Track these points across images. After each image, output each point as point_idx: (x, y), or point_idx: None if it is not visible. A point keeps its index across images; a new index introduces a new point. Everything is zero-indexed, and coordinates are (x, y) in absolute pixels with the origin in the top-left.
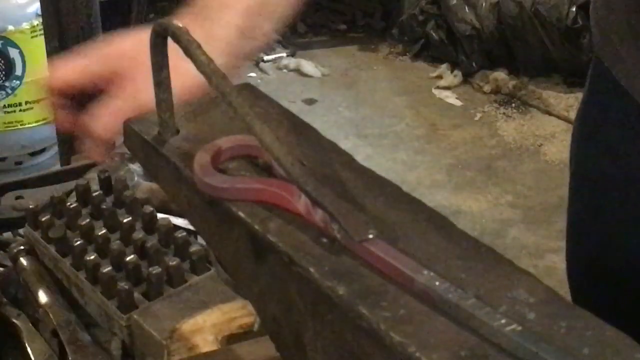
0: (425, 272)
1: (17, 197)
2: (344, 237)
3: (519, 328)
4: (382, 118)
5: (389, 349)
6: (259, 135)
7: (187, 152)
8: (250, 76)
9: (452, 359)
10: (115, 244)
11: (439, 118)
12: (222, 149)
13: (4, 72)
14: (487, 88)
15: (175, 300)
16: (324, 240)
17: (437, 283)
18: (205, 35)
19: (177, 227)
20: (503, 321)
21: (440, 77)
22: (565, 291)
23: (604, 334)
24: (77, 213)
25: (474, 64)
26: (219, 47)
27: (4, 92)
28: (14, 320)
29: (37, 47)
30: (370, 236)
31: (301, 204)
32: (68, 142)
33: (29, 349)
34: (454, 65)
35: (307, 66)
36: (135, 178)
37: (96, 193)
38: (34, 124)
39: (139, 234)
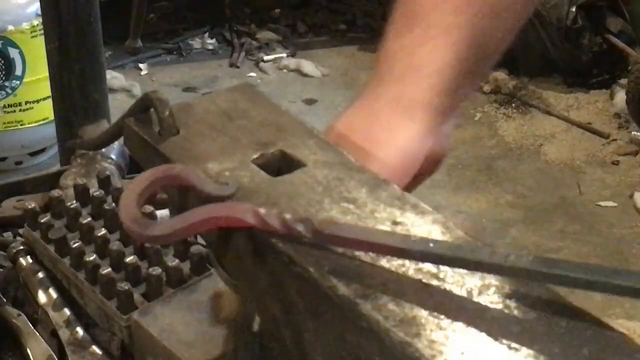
0: (413, 237)
1: (18, 200)
2: (311, 231)
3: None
4: None
5: (389, 349)
6: None
7: (187, 153)
8: (250, 76)
9: (451, 358)
10: (115, 244)
11: None
12: (144, 190)
13: (4, 72)
14: (487, 88)
15: (175, 300)
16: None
17: (430, 245)
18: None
19: None
20: (504, 257)
21: None
22: (564, 291)
23: (604, 334)
24: (77, 213)
25: None
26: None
27: (4, 92)
28: (14, 321)
29: (37, 47)
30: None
31: (253, 217)
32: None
33: (28, 349)
34: None
35: (307, 66)
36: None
37: (96, 193)
38: (34, 124)
39: None
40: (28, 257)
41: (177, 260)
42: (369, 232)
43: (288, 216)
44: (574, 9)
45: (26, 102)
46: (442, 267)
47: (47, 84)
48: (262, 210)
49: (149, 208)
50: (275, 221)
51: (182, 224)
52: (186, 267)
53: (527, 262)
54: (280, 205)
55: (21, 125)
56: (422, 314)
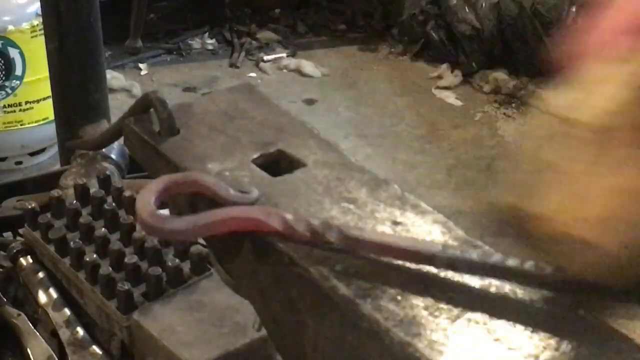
0: (440, 245)
1: (18, 200)
2: (340, 238)
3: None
4: (382, 118)
5: (389, 349)
6: None
7: (187, 153)
8: (250, 76)
9: (452, 358)
10: (115, 244)
11: (439, 118)
12: (161, 191)
13: (4, 72)
14: (487, 88)
15: (175, 300)
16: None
17: (459, 253)
18: None
19: None
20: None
21: (440, 77)
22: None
23: (604, 334)
24: (77, 213)
25: (474, 64)
26: None
27: (4, 92)
28: (14, 321)
29: (37, 47)
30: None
31: (278, 222)
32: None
33: (28, 349)
34: (454, 65)
35: (307, 66)
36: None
37: (96, 193)
38: (34, 124)
39: (139, 234)
40: (28, 257)
41: (177, 260)
42: (397, 238)
43: (315, 222)
44: (574, 9)
45: (26, 102)
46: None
47: (47, 84)
48: (289, 216)
49: None
50: (302, 227)
51: (203, 221)
52: (186, 267)
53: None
54: (280, 205)
55: (21, 125)
56: (422, 314)
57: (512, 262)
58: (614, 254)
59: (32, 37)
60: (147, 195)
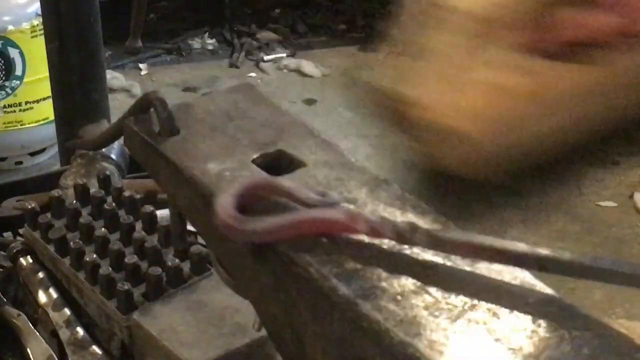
0: (529, 246)
1: (18, 200)
2: (428, 241)
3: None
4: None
5: (389, 349)
6: None
7: (187, 153)
8: (250, 76)
9: (452, 358)
10: (115, 244)
11: None
12: (240, 194)
13: (4, 72)
14: None
15: (175, 300)
16: (324, 240)
17: (547, 253)
18: None
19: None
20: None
21: None
22: (565, 291)
23: (605, 334)
24: (77, 213)
25: None
26: None
27: (4, 92)
28: (14, 321)
29: (37, 47)
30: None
31: (363, 225)
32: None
33: (28, 349)
34: None
35: (307, 66)
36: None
37: (96, 193)
38: (34, 124)
39: (139, 234)
40: (28, 257)
41: (177, 260)
42: (485, 239)
43: (401, 225)
44: None
45: (26, 102)
46: (442, 267)
47: (47, 84)
48: (374, 219)
49: (149, 208)
50: (388, 230)
51: (286, 222)
52: (186, 267)
53: None
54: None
55: (21, 125)
56: (422, 314)
57: (605, 262)
58: (487, 148)
59: (32, 37)
60: (226, 198)
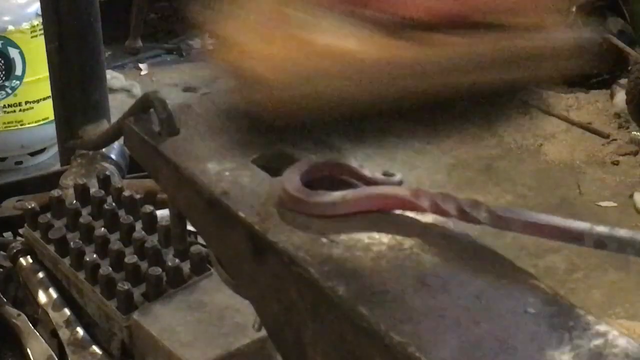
0: (588, 223)
1: (18, 200)
2: (490, 218)
3: None
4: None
5: (389, 349)
6: None
7: (187, 153)
8: None
9: (452, 358)
10: (115, 244)
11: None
12: (306, 171)
13: (4, 72)
14: None
15: (175, 300)
16: (324, 240)
17: (607, 229)
18: None
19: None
20: None
21: None
22: (565, 291)
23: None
24: (77, 213)
25: None
26: None
27: (4, 92)
28: (14, 321)
29: (37, 47)
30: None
31: (427, 202)
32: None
33: (28, 349)
34: None
35: None
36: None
37: (96, 193)
38: (34, 124)
39: (139, 234)
40: (28, 257)
41: (177, 260)
42: (546, 217)
43: (464, 202)
44: (574, 9)
45: (26, 102)
46: (441, 267)
47: (47, 84)
48: (438, 196)
49: (149, 208)
50: (452, 207)
51: (352, 196)
52: (186, 267)
53: None
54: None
55: (21, 125)
56: (422, 313)
57: None
58: (287, 96)
59: (32, 37)
60: (293, 174)
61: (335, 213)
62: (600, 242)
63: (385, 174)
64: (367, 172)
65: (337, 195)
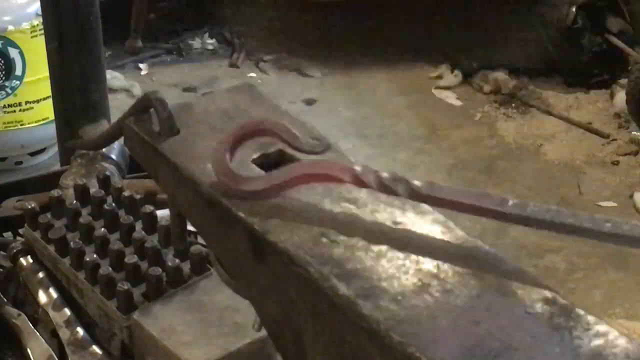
0: (510, 200)
1: (18, 200)
2: (409, 193)
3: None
4: (382, 118)
5: (389, 349)
6: None
7: (187, 153)
8: (251, 76)
9: (452, 358)
10: (115, 244)
11: (439, 118)
12: (233, 144)
13: (4, 72)
14: (487, 88)
15: (175, 300)
16: (324, 240)
17: (528, 208)
18: None
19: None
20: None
21: (440, 77)
22: (565, 291)
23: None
24: (77, 213)
25: (474, 64)
26: None
27: (4, 92)
28: (14, 321)
29: (37, 47)
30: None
31: (348, 175)
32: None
33: (28, 349)
34: (454, 65)
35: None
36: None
37: (96, 193)
38: (34, 124)
39: (139, 234)
40: (28, 257)
41: (177, 260)
42: (466, 193)
43: (385, 175)
44: (574, 9)
45: (26, 102)
46: (441, 268)
47: (47, 84)
48: (357, 169)
49: (149, 208)
50: (372, 179)
51: (278, 179)
52: (186, 267)
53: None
54: (280, 206)
55: (21, 125)
56: (422, 313)
57: (582, 218)
58: None
59: (32, 37)
60: (220, 153)
61: (265, 197)
62: (523, 219)
63: (313, 138)
64: (293, 139)
65: (264, 179)
